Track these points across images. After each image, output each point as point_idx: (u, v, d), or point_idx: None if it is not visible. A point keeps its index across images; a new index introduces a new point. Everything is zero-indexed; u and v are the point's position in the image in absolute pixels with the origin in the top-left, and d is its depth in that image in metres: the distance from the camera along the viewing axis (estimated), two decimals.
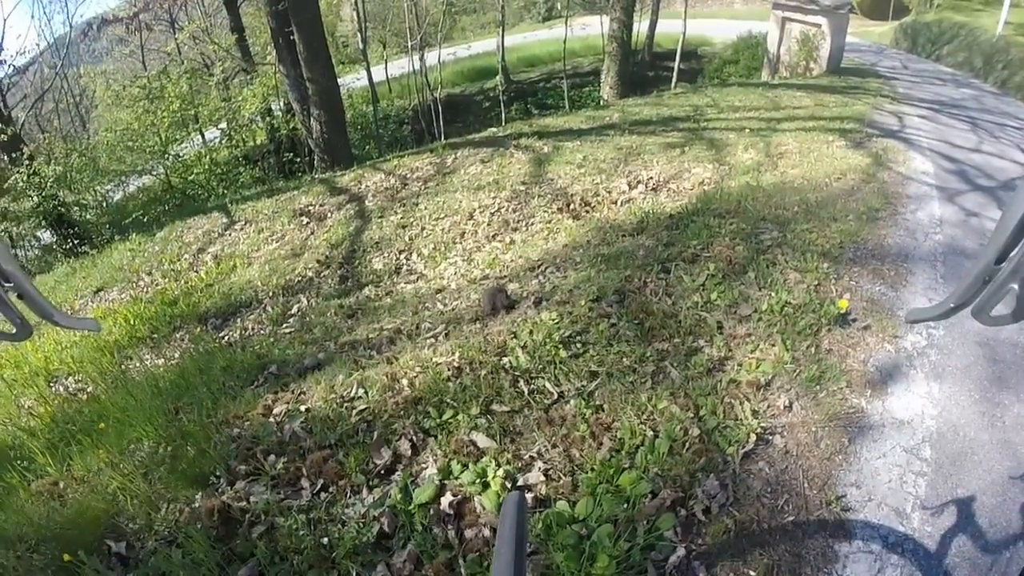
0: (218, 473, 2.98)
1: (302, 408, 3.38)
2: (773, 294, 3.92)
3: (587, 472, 2.65)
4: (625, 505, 2.46)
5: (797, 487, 2.67)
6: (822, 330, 3.68)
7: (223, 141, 15.89)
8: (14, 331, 0.91)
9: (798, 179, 6.48)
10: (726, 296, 3.96)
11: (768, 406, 3.11)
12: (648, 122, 10.26)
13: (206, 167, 14.67)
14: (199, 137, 16.26)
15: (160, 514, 2.78)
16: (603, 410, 3.04)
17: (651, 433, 2.84)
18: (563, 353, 3.43)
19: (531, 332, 3.65)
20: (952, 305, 0.90)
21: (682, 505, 2.53)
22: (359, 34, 17.56)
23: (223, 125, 16.02)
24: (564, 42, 17.11)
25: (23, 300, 0.89)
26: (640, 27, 20.43)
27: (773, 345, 3.48)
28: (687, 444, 2.77)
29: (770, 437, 2.93)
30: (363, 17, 17.04)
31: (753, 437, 2.88)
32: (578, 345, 3.54)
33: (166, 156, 14.30)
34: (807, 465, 2.79)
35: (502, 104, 17.10)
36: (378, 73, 18.81)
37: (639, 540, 2.33)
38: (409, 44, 17.73)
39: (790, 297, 3.89)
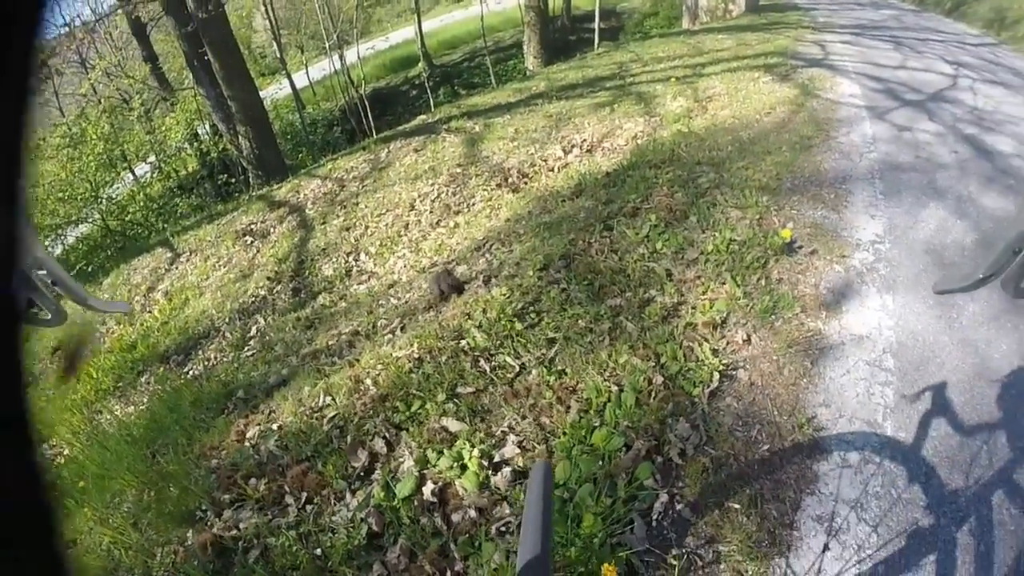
0: (204, 507, 2.97)
1: (274, 427, 3.36)
2: (717, 234, 3.99)
3: (560, 437, 2.69)
4: (601, 462, 2.50)
5: (767, 416, 2.74)
6: (770, 261, 3.75)
7: (154, 174, 15.52)
8: (49, 317, 0.91)
9: (729, 119, 6.56)
10: (671, 243, 4.02)
11: (727, 343, 3.18)
12: (575, 86, 10.24)
13: (142, 204, 14.32)
14: (130, 175, 15.85)
15: (156, 559, 2.77)
16: (566, 374, 3.08)
17: (616, 388, 2.88)
18: (518, 325, 3.46)
19: (484, 310, 3.67)
20: (981, 276, 0.90)
21: (657, 452, 2.59)
22: (274, 43, 17.26)
23: (152, 158, 15.64)
24: (482, 19, 16.97)
25: (57, 287, 0.90)
26: None
27: (723, 283, 3.55)
28: (653, 393, 2.83)
29: (733, 372, 3.00)
30: (276, 25, 16.72)
31: (717, 375, 2.94)
32: (532, 315, 3.57)
33: (99, 200, 13.91)
34: (774, 393, 2.86)
35: (428, 90, 16.90)
36: (300, 79, 18.54)
37: (620, 493, 2.38)
38: (327, 45, 17.43)
39: (734, 235, 3.96)
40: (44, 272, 0.86)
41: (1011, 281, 0.84)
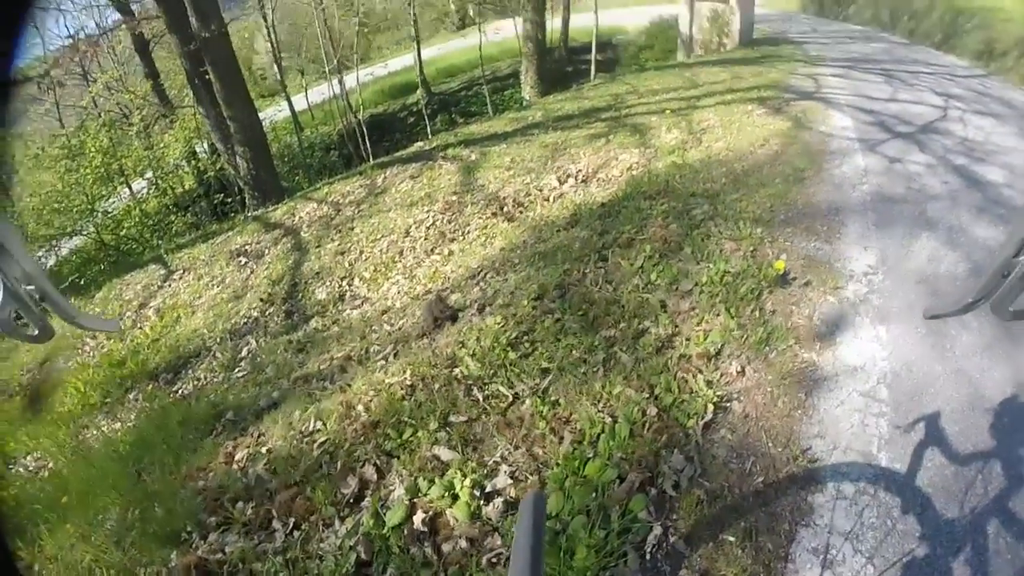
0: (189, 529, 2.92)
1: (263, 450, 3.33)
2: (711, 266, 4.01)
3: (553, 468, 2.68)
4: (595, 494, 2.49)
5: (762, 448, 2.74)
6: (764, 293, 3.77)
7: (150, 191, 15.50)
8: (36, 333, 0.90)
9: (723, 152, 6.61)
10: (665, 274, 4.03)
11: (721, 375, 3.18)
12: (571, 116, 10.32)
13: (137, 220, 14.30)
14: (127, 190, 15.84)
15: None
16: (559, 405, 3.07)
17: (610, 419, 2.88)
18: (512, 355, 3.46)
19: (478, 339, 3.67)
20: (971, 300, 0.91)
21: (651, 484, 2.58)
22: (275, 65, 17.36)
23: (149, 174, 15.64)
24: (480, 48, 17.13)
25: (45, 303, 0.89)
26: (553, 24, 20.60)
27: (718, 315, 3.56)
28: (647, 424, 2.82)
29: (728, 404, 3.00)
30: (277, 47, 16.85)
31: (711, 407, 2.94)
32: (526, 345, 3.57)
33: (95, 214, 13.90)
34: (768, 425, 2.86)
35: (426, 117, 17.04)
36: (299, 102, 18.63)
37: (614, 526, 2.36)
38: (327, 69, 17.54)
39: (728, 266, 3.97)
40: (32, 287, 0.86)
41: (1001, 304, 0.85)
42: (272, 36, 16.29)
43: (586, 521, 2.36)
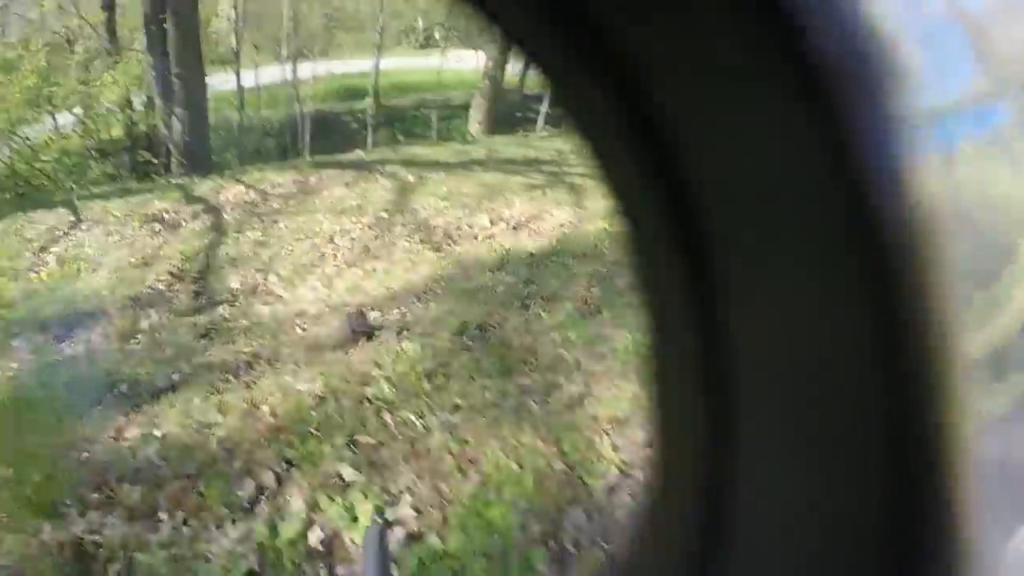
0: (68, 501, 2.79)
1: (157, 433, 3.23)
2: (628, 335, 4.14)
3: (456, 506, 2.72)
4: (496, 538, 2.54)
5: None
6: None
7: (76, 129, 14.67)
8: None
9: None
10: (583, 335, 4.13)
11: (628, 441, 3.30)
12: (513, 161, 10.48)
13: (55, 156, 13.49)
14: (51, 121, 14.91)
15: (3, 547, 2.59)
16: (468, 444, 3.12)
17: (517, 467, 2.95)
18: (426, 385, 3.49)
19: (394, 363, 3.70)
20: None
21: (552, 538, 2.63)
22: (234, 33, 16.89)
23: (78, 111, 14.81)
24: (439, 73, 17.19)
25: None
26: (515, 67, 20.86)
27: (629, 382, 3.68)
28: (552, 478, 2.90)
29: (631, 472, 3.11)
30: (242, 15, 16.45)
31: (615, 471, 3.04)
32: (441, 377, 3.61)
33: (13, 137, 13.05)
34: None
35: (370, 128, 16.91)
36: (248, 79, 18.14)
37: (512, 574, 2.41)
38: (283, 52, 17.22)
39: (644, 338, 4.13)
40: None
41: None
42: (238, 1, 15.94)
43: (485, 565, 2.42)
